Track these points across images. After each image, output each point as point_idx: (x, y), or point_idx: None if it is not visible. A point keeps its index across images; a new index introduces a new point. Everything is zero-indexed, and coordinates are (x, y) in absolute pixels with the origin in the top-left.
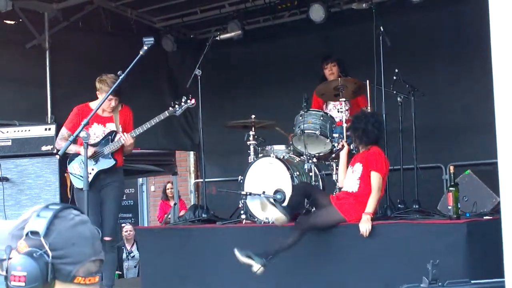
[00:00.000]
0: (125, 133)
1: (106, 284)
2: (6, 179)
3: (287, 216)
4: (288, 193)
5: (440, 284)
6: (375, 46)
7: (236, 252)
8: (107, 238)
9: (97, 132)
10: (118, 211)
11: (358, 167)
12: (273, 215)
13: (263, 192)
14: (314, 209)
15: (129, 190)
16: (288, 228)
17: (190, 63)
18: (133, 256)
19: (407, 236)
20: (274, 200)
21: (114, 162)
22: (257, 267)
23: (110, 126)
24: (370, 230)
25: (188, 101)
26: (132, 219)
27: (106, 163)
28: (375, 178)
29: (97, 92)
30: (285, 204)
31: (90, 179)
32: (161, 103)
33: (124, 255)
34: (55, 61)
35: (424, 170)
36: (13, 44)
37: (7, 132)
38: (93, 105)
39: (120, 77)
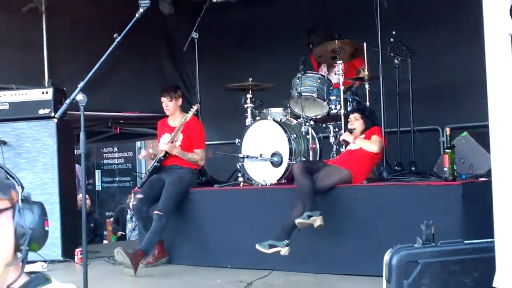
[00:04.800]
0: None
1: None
2: (3, 143)
3: (322, 215)
4: (285, 155)
5: (433, 244)
6: (374, 7)
7: (259, 247)
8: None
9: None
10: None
11: (361, 137)
12: (315, 223)
13: (261, 155)
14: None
15: (127, 154)
16: (289, 192)
17: (188, 26)
18: None
19: (403, 197)
20: (311, 213)
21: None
22: (284, 250)
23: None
24: (345, 140)
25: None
26: (131, 182)
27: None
28: (376, 138)
29: None
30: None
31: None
32: (158, 67)
33: (128, 217)
34: (52, 24)
35: (421, 132)
36: (9, 8)
37: (4, 95)
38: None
39: (116, 40)
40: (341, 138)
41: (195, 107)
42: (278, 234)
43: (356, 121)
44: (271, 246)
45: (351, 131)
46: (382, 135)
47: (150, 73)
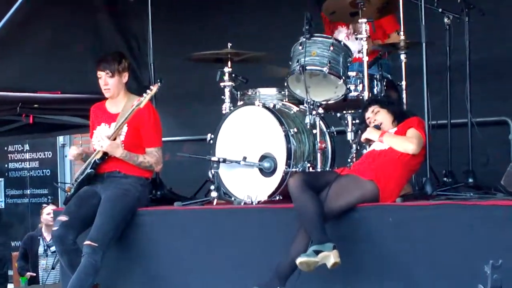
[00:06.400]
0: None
1: None
2: None
3: (337, 248)
4: (280, 159)
5: None
6: None
7: None
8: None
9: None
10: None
11: (391, 131)
12: (327, 262)
13: (244, 158)
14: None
15: (44, 155)
16: (285, 215)
17: None
18: (55, 251)
19: (456, 224)
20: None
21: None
22: None
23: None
24: (368, 139)
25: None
26: (49, 197)
27: None
28: (414, 133)
29: None
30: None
31: None
32: (92, 26)
33: (41, 249)
34: None
35: (482, 126)
36: None
37: None
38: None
39: None
40: (363, 137)
41: (154, 88)
42: (269, 279)
43: (378, 115)
44: None
45: (378, 127)
46: (423, 129)
47: (79, 35)
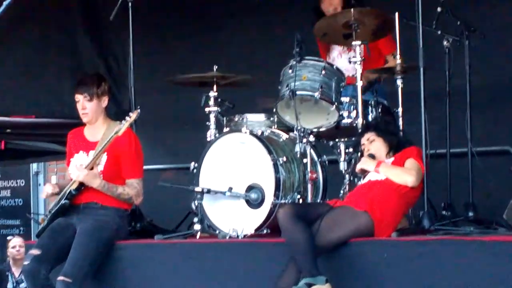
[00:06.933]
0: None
1: None
2: None
3: (327, 279)
4: (268, 190)
5: None
6: None
7: None
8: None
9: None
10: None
11: (388, 161)
12: None
13: (230, 189)
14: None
15: (16, 183)
16: (274, 249)
17: None
18: None
19: (456, 260)
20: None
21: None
22: None
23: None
24: (362, 170)
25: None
26: (22, 228)
27: None
28: (413, 164)
29: None
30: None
31: None
32: (69, 45)
33: (10, 286)
34: None
35: (483, 156)
36: None
37: None
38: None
39: (5, 3)
40: (358, 167)
41: (133, 115)
42: None
43: (373, 144)
44: None
45: (373, 156)
46: (422, 159)
47: (56, 55)
